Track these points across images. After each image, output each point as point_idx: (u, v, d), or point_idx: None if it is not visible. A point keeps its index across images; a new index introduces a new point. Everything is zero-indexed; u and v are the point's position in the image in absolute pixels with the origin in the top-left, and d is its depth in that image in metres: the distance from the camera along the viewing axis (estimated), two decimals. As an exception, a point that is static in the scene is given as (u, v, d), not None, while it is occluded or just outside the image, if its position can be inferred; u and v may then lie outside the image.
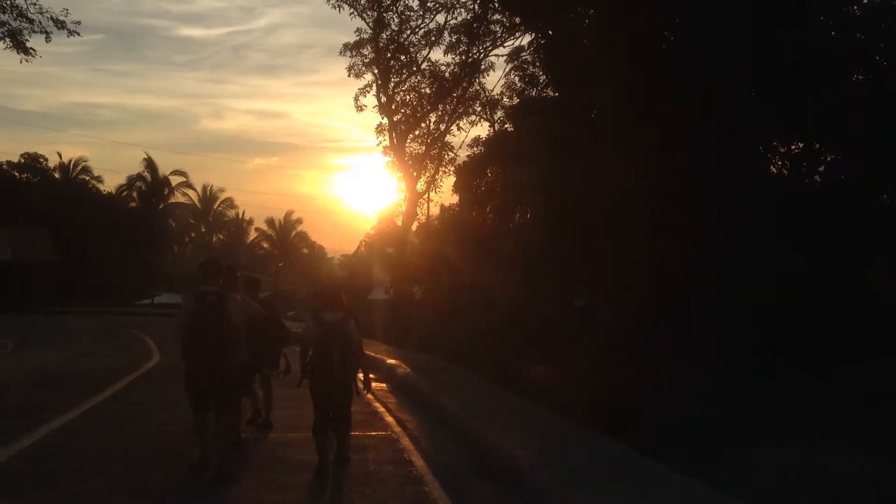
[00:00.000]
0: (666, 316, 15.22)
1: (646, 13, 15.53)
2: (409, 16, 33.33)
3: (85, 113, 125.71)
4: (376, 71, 33.20)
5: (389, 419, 11.23)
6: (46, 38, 27.16)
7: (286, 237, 75.58)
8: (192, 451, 7.79)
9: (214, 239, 78.99)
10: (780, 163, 16.52)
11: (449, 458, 8.76)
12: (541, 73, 28.90)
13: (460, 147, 34.89)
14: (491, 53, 33.91)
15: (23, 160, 61.02)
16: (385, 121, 33.37)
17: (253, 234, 79.82)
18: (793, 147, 15.96)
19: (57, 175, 62.38)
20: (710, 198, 13.65)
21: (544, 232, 20.13)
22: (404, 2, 33.12)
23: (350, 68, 33.48)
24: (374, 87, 33.29)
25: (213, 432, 7.74)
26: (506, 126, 32.15)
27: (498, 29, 33.17)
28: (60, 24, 27.04)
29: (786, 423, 10.28)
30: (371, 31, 33.10)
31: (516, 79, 33.55)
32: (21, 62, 27.10)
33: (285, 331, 10.52)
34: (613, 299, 17.85)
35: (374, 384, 13.16)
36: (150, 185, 65.87)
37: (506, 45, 33.31)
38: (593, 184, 14.82)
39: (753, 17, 13.56)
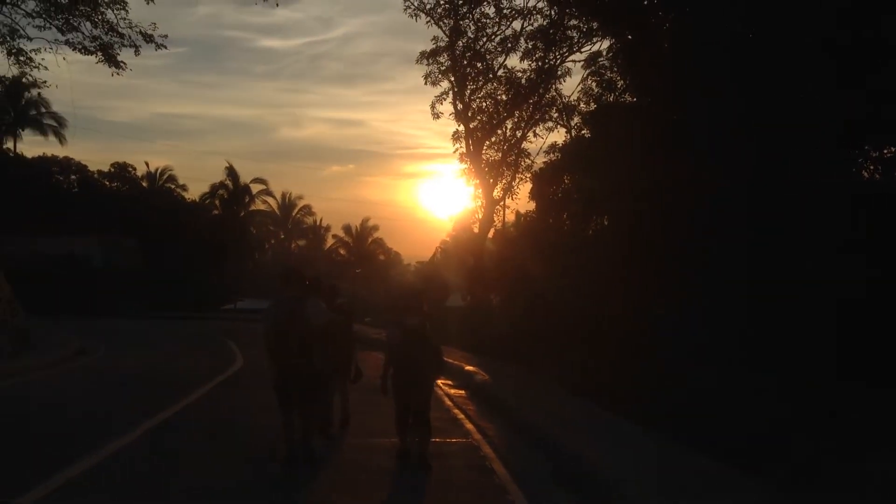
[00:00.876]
0: (751, 325, 14.81)
1: (729, 16, 15.20)
2: (486, 23, 33.38)
3: (170, 123, 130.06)
4: (453, 78, 33.36)
5: (469, 426, 11.23)
6: (136, 51, 28.17)
7: (363, 244, 76.56)
8: (281, 446, 8.28)
9: (293, 245, 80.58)
10: (871, 167, 15.91)
11: (531, 467, 8.70)
12: (619, 78, 28.55)
13: (537, 154, 34.71)
14: (567, 59, 33.68)
15: (113, 169, 63.45)
16: (461, 128, 33.50)
17: (330, 241, 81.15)
18: (885, 151, 15.33)
19: (144, 184, 64.62)
20: (801, 205, 13.23)
21: (623, 239, 19.85)
22: (481, 9, 33.18)
23: (427, 76, 33.74)
24: (451, 95, 33.45)
25: (299, 428, 8.24)
26: (583, 132, 31.84)
27: (575, 34, 32.93)
28: (149, 38, 28.03)
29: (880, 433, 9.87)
30: (448, 39, 33.27)
31: (593, 84, 33.22)
32: (112, 75, 28.21)
33: (352, 338, 10.67)
34: (695, 308, 17.47)
35: (453, 391, 13.24)
36: (232, 193, 67.59)
37: (583, 50, 33.02)
38: (673, 191, 14.53)
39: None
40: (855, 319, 12.85)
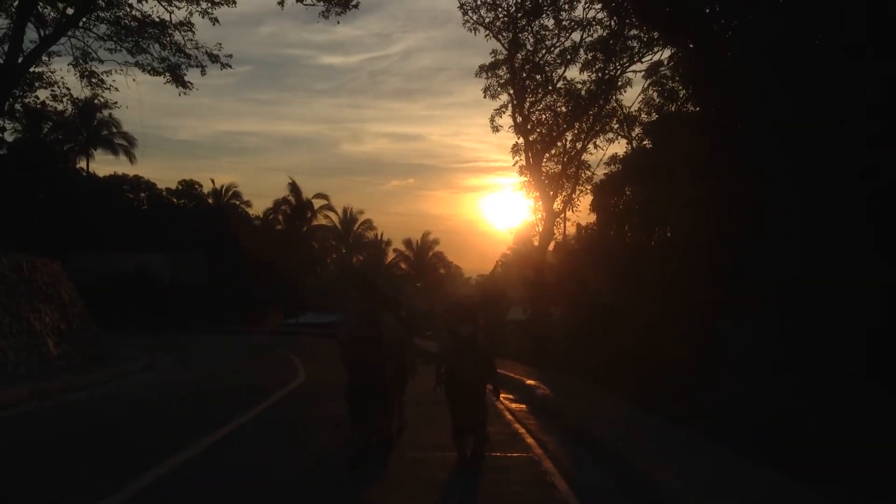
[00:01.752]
0: (821, 338, 14.41)
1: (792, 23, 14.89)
2: (545, 35, 33.29)
3: (234, 140, 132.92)
4: (511, 91, 33.34)
5: (530, 440, 11.16)
6: (202, 71, 28.99)
7: (423, 257, 76.93)
8: (350, 451, 8.78)
9: (355, 260, 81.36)
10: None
11: (593, 483, 8.60)
12: (681, 87, 28.19)
13: (597, 165, 34.53)
14: (628, 69, 33.37)
15: (180, 187, 65.14)
16: (521, 140, 33.44)
17: (391, 255, 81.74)
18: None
19: (210, 200, 66.15)
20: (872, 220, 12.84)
21: (686, 250, 19.55)
22: (540, 21, 33.14)
23: (486, 89, 33.79)
24: (510, 108, 33.44)
25: (369, 433, 8.85)
26: (644, 143, 31.51)
27: (635, 44, 32.64)
28: (214, 58, 28.82)
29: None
30: (506, 52, 33.28)
31: (654, 94, 32.86)
32: (179, 95, 29.05)
33: (414, 351, 11.00)
34: (762, 320, 17.09)
35: (513, 405, 13.26)
36: (295, 208, 68.71)
37: (643, 60, 32.69)
38: (735, 203, 14.25)
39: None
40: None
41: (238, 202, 67.88)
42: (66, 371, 18.47)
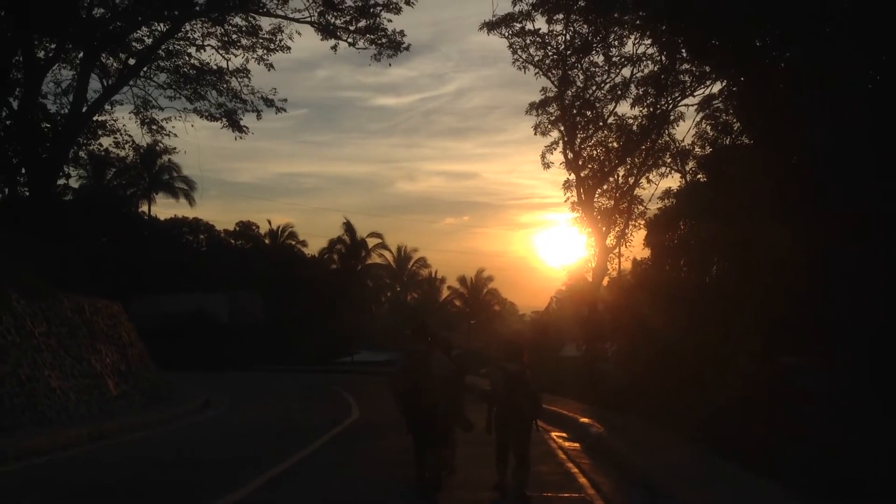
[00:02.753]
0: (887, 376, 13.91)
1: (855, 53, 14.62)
2: (595, 72, 33.36)
3: (291, 182, 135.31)
4: (562, 128, 33.37)
5: (583, 480, 10.96)
6: (258, 115, 29.82)
7: (477, 295, 76.77)
8: (414, 480, 9.43)
9: (409, 298, 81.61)
10: None
11: (647, 525, 8.40)
12: (734, 120, 27.87)
13: (649, 200, 34.15)
14: (680, 103, 33.18)
15: (237, 228, 66.40)
16: (572, 176, 33.37)
17: (445, 293, 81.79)
18: None
19: (267, 241, 67.22)
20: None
21: (743, 286, 19.14)
22: (589, 58, 33.24)
23: (536, 127, 33.92)
24: (561, 144, 33.44)
25: (429, 464, 9.41)
26: (698, 176, 31.15)
27: (687, 78, 32.46)
28: (269, 103, 29.62)
29: None
30: (556, 90, 33.41)
31: (708, 128, 32.56)
32: (235, 139, 29.83)
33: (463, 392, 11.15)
34: (826, 357, 16.59)
35: (566, 444, 13.21)
36: (349, 248, 69.38)
37: (696, 94, 32.51)
38: (791, 243, 13.94)
39: None
40: None
41: (294, 242, 68.83)
42: (125, 411, 18.83)
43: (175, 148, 38.35)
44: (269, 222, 68.49)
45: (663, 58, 31.35)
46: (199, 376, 35.62)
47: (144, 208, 62.39)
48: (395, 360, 10.57)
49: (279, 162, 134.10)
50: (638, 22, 30.55)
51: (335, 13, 28.33)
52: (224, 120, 29.40)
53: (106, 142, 29.23)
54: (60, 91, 27.24)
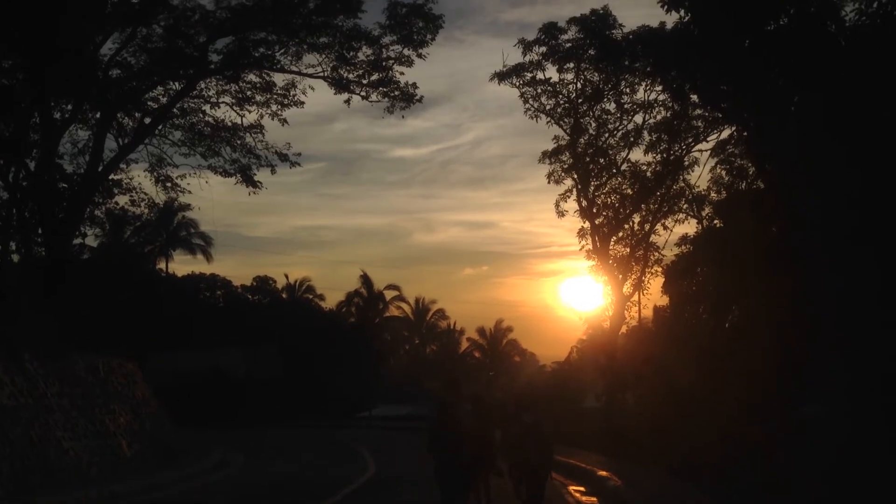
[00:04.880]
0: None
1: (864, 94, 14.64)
2: (607, 119, 33.65)
3: (309, 235, 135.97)
4: (576, 176, 33.53)
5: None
6: (272, 170, 30.12)
7: (497, 346, 76.39)
8: None
9: (428, 350, 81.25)
10: None
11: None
12: (749, 164, 27.91)
13: (664, 246, 34.08)
14: (694, 149, 33.35)
15: (255, 283, 66.71)
16: (587, 224, 33.39)
17: (465, 344, 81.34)
18: None
19: (284, 295, 67.44)
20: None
21: (764, 335, 18.96)
22: (601, 106, 33.55)
23: (550, 175, 34.09)
24: (575, 192, 33.57)
25: None
26: (714, 222, 31.11)
27: (700, 124, 32.65)
28: (283, 157, 29.91)
29: None
30: (569, 138, 33.67)
31: (723, 172, 32.64)
32: (249, 194, 30.10)
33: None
34: (849, 406, 16.33)
35: (584, 498, 13.56)
36: (367, 300, 69.47)
37: (709, 139, 32.67)
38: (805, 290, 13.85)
39: None
40: None
41: (311, 296, 69.01)
42: (138, 472, 18.77)
43: (190, 205, 38.65)
44: (287, 276, 68.86)
45: (675, 104, 31.57)
46: (216, 433, 35.49)
47: (162, 265, 62.96)
48: (430, 413, 11.86)
49: (298, 215, 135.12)
50: (648, 69, 30.91)
51: (348, 67, 28.76)
52: (238, 176, 29.72)
53: (122, 200, 29.63)
54: (77, 151, 27.74)
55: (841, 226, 13.57)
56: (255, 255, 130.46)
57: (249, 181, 29.83)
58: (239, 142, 29.61)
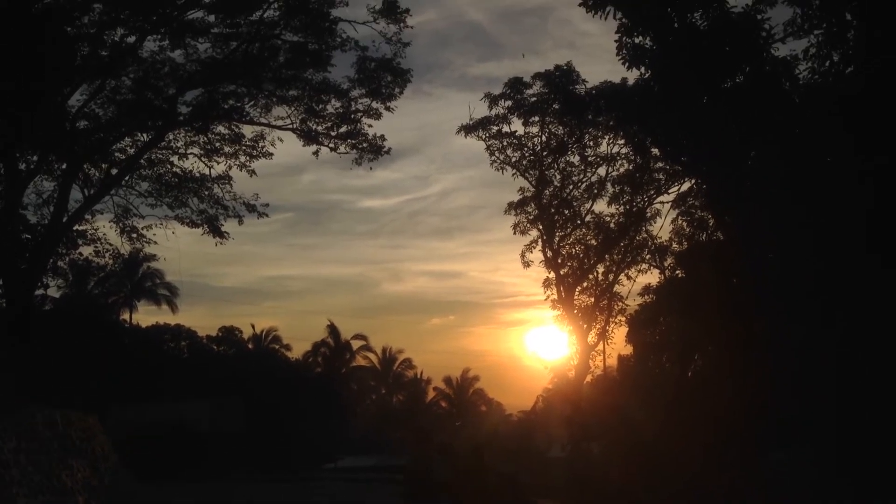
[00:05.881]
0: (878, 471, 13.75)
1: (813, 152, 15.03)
2: (571, 171, 34.18)
3: (277, 285, 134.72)
4: (541, 227, 33.86)
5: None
6: (239, 221, 29.86)
7: (463, 395, 75.85)
8: None
9: (394, 400, 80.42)
10: None
11: None
12: (709, 216, 28.36)
13: (628, 296, 34.39)
14: (656, 201, 33.95)
15: (220, 333, 65.78)
16: (552, 275, 33.64)
17: (431, 394, 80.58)
18: None
19: (250, 345, 66.56)
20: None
21: (727, 383, 19.09)
22: (566, 158, 34.08)
23: (515, 226, 34.41)
24: (540, 243, 33.85)
25: None
26: (676, 272, 31.47)
27: (661, 177, 33.32)
28: (251, 208, 29.71)
29: None
30: (534, 189, 34.10)
31: (684, 223, 33.11)
32: (216, 245, 29.77)
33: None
34: (812, 454, 16.42)
35: None
36: (334, 350, 68.80)
37: (670, 191, 33.30)
38: (762, 340, 14.02)
39: None
40: None
41: (278, 346, 68.18)
42: (96, 528, 18.18)
43: (156, 255, 38.10)
44: (253, 327, 68.01)
45: (637, 157, 32.16)
46: (178, 487, 34.54)
47: (126, 316, 61.94)
48: (407, 464, 11.51)
49: (265, 265, 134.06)
50: (611, 123, 31.58)
51: (317, 120, 28.85)
52: (205, 226, 29.42)
53: (87, 251, 29.09)
54: (41, 202, 27.29)
55: (797, 278, 13.78)
56: (222, 305, 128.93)
57: (216, 232, 29.54)
58: (206, 192, 29.38)
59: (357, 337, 71.45)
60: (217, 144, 28.77)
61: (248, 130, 28.84)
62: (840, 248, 13.62)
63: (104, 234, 28.92)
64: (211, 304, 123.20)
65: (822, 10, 15.92)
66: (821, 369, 14.59)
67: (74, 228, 27.71)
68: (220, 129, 28.63)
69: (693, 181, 26.43)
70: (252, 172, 29.27)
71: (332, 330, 68.85)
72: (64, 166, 27.22)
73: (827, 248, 13.18)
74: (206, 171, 28.96)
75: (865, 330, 12.91)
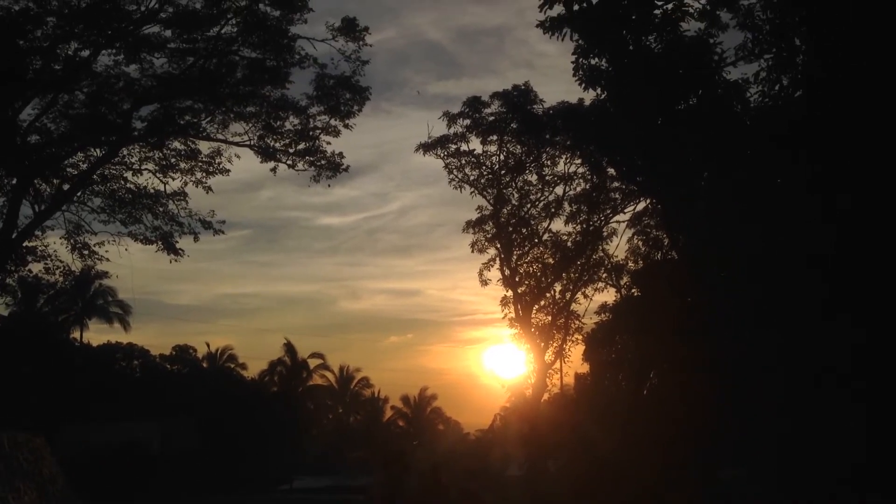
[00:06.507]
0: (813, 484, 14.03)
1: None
2: (529, 190, 34.49)
3: (233, 303, 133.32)
4: (499, 245, 34.09)
5: None
6: (195, 238, 29.51)
7: (421, 414, 75.67)
8: None
9: (352, 419, 79.87)
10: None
11: None
12: (664, 236, 28.80)
13: (584, 315, 34.72)
14: (612, 220, 34.40)
15: (174, 352, 64.79)
16: (509, 293, 33.83)
17: (389, 413, 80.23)
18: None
19: (205, 364, 65.67)
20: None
21: (681, 402, 19.33)
22: (523, 177, 34.38)
23: (473, 244, 34.58)
24: (498, 261, 34.05)
25: None
26: (632, 291, 31.87)
27: (617, 196, 33.81)
28: (207, 225, 29.39)
29: None
30: (492, 208, 34.32)
31: (640, 243, 33.60)
32: (170, 262, 29.36)
33: None
34: (764, 469, 16.69)
35: None
36: (290, 369, 68.12)
37: (626, 211, 33.79)
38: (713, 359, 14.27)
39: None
40: None
41: (233, 365, 67.37)
42: (43, 552, 17.74)
43: (108, 272, 37.57)
44: (208, 345, 67.15)
45: (594, 176, 32.61)
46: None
47: (77, 334, 60.68)
48: (371, 485, 11.41)
49: (221, 283, 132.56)
50: (568, 143, 31.99)
51: (275, 136, 28.72)
52: (160, 243, 29.04)
53: (36, 268, 28.52)
54: (-10, 218, 26.75)
55: (744, 299, 14.07)
56: (176, 323, 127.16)
57: (171, 249, 29.15)
58: (161, 209, 29.02)
59: (314, 355, 70.95)
60: (173, 160, 28.49)
61: (204, 146, 28.63)
62: (787, 271, 13.96)
63: (55, 251, 28.38)
64: (165, 323, 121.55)
65: (771, 35, 16.39)
66: (760, 390, 14.89)
67: (24, 245, 27.16)
68: (176, 144, 28.39)
69: (648, 201, 26.87)
70: (208, 189, 29.02)
71: (289, 348, 68.24)
72: (14, 181, 26.71)
73: (774, 271, 13.49)
74: (161, 188, 28.66)
75: (806, 352, 13.23)
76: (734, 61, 17.30)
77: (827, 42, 13.59)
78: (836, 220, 12.56)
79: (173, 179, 28.66)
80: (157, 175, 28.62)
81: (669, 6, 15.65)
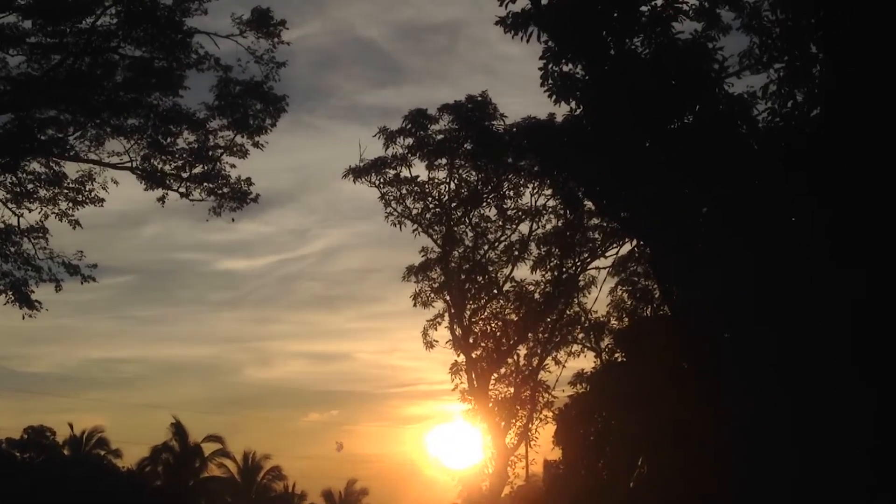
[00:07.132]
0: None
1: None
2: (486, 228, 34.59)
3: (105, 371, 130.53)
4: (448, 297, 33.99)
5: None
6: (57, 286, 29.02)
7: (348, 515, 74.71)
8: None
9: (258, 521, 78.55)
10: None
11: None
12: (654, 286, 29.20)
13: (556, 385, 34.67)
14: (590, 266, 34.61)
15: (26, 435, 63.30)
16: (461, 358, 33.70)
17: (307, 512, 79.21)
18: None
19: (66, 451, 64.27)
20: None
21: (678, 489, 19.49)
22: (479, 211, 34.44)
23: (416, 296, 34.42)
24: (447, 317, 33.97)
25: None
26: (616, 355, 32.11)
27: (597, 236, 34.03)
28: (74, 270, 28.91)
29: None
30: (440, 250, 34.25)
31: (624, 295, 33.93)
32: (24, 318, 28.75)
33: None
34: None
35: None
36: (179, 456, 66.92)
37: (607, 255, 33.99)
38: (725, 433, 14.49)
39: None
40: None
41: (104, 452, 66.06)
42: None
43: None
44: (71, 426, 65.76)
45: (567, 211, 32.83)
46: None
47: None
48: None
49: (90, 345, 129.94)
50: (536, 168, 32.11)
51: (164, 157, 28.53)
52: (9, 293, 28.47)
53: None
54: None
55: (760, 364, 14.32)
56: (30, 397, 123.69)
57: (25, 301, 28.59)
58: (13, 249, 28.53)
59: (210, 439, 69.75)
60: (30, 186, 28.09)
61: (72, 169, 28.30)
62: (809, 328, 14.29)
63: None
64: (14, 397, 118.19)
65: (783, 41, 16.84)
66: (776, 461, 15.15)
67: None
68: (35, 166, 28.00)
69: (634, 242, 27.21)
70: (75, 223, 28.64)
71: (178, 429, 67.04)
72: None
73: (792, 329, 13.79)
74: (14, 221, 28.21)
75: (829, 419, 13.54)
76: (738, 71, 17.71)
77: (847, 50, 14.07)
78: (864, 263, 12.92)
79: (30, 211, 28.24)
80: (9, 205, 28.18)
81: (660, 2, 16.01)
